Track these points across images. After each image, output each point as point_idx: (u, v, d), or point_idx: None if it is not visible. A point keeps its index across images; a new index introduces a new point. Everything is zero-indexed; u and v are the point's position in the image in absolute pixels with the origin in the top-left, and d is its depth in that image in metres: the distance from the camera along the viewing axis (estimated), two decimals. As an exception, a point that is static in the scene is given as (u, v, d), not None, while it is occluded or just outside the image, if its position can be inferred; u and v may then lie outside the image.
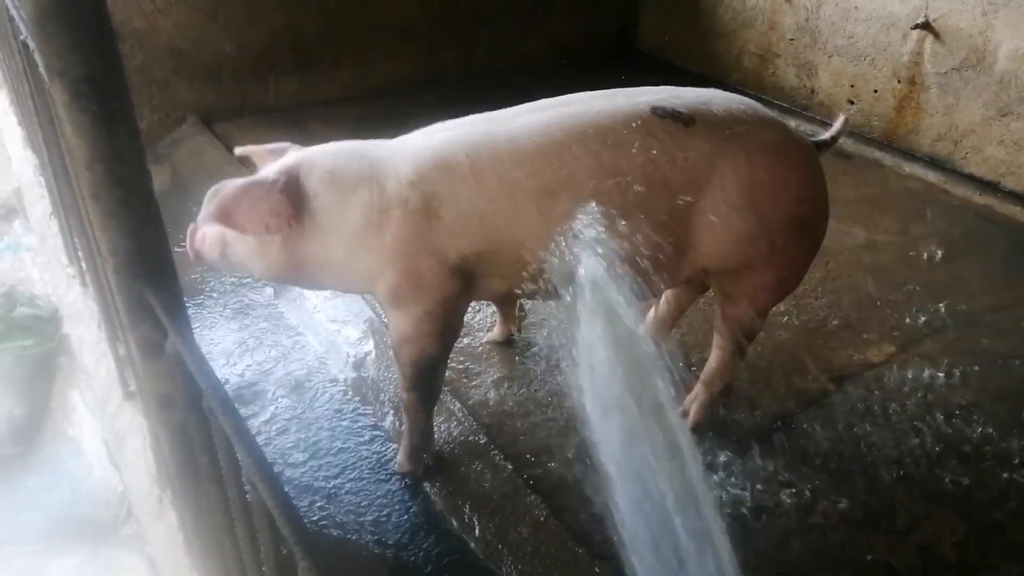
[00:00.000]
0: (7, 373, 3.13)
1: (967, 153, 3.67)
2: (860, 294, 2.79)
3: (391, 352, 2.08)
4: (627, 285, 1.56)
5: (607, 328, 1.54)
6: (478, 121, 1.77)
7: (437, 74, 4.52)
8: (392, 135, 1.85)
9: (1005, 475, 2.08)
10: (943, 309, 2.72)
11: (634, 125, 1.66)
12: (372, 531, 1.92)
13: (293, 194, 1.68)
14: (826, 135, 1.97)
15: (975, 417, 2.25)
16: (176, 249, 1.18)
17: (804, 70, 4.29)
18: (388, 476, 2.07)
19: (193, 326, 1.13)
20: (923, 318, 2.67)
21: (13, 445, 2.97)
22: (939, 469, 2.08)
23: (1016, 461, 2.12)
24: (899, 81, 3.85)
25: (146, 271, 1.03)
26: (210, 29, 3.83)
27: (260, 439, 2.17)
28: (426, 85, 4.44)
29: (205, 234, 1.85)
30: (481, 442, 2.11)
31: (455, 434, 2.15)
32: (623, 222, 1.66)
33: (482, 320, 2.58)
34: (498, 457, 2.06)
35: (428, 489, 2.02)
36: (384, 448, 2.15)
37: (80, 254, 2.34)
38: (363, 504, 1.99)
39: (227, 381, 2.38)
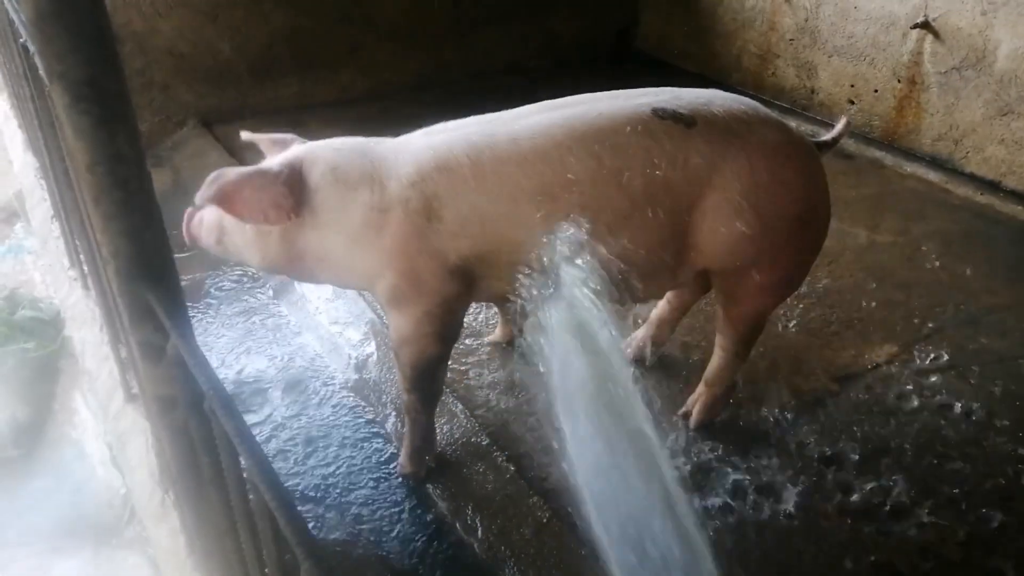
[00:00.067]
0: (9, 376, 3.14)
1: (968, 152, 3.67)
2: (862, 294, 2.79)
3: (392, 353, 2.08)
4: (606, 299, 1.57)
5: (582, 344, 1.56)
6: (480, 122, 1.77)
7: (437, 75, 4.52)
8: (393, 136, 1.85)
9: (1008, 475, 2.07)
10: (945, 309, 2.72)
11: (635, 127, 1.66)
12: (374, 532, 1.92)
13: (295, 187, 1.68)
14: (827, 136, 1.96)
15: (978, 417, 2.25)
16: (176, 232, 1.17)
17: (804, 70, 4.29)
18: (390, 477, 2.07)
19: (195, 328, 1.13)
20: (925, 318, 2.67)
21: (16, 447, 2.97)
22: (942, 469, 2.08)
23: (1019, 461, 2.11)
24: (899, 81, 3.85)
25: (147, 273, 1.03)
26: (210, 31, 3.84)
27: (262, 440, 2.17)
28: (426, 86, 4.44)
29: (202, 218, 1.85)
30: (483, 443, 2.11)
31: (457, 435, 2.15)
32: (621, 225, 1.66)
33: (484, 321, 2.58)
34: (500, 459, 2.06)
35: (431, 490, 2.02)
36: (386, 450, 2.15)
37: (82, 257, 2.35)
38: (365, 506, 1.99)
39: (229, 383, 2.38)
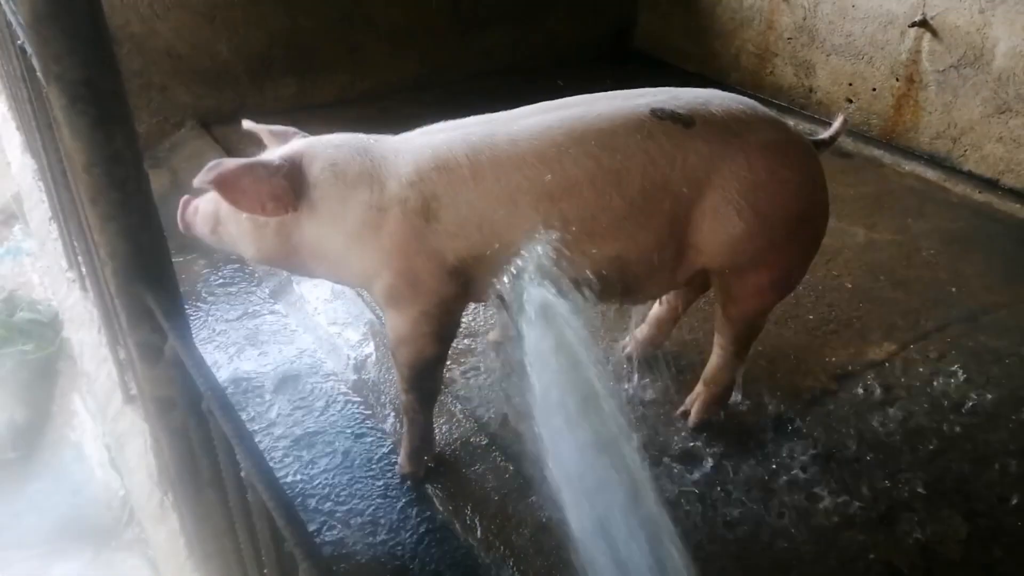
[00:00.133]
0: (8, 378, 3.14)
1: (966, 151, 3.67)
2: (860, 292, 2.79)
3: (390, 353, 2.08)
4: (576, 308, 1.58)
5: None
6: (479, 123, 1.78)
7: (436, 76, 4.52)
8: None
9: (1008, 473, 2.07)
10: (943, 307, 2.72)
11: (634, 127, 1.67)
12: (373, 532, 1.92)
13: (294, 181, 1.69)
14: (825, 134, 1.97)
15: (976, 415, 2.25)
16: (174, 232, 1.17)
17: (802, 69, 4.29)
18: (389, 477, 2.06)
19: (192, 328, 1.13)
20: (923, 316, 2.67)
21: (14, 449, 2.97)
22: (941, 467, 2.08)
23: (1018, 459, 2.11)
24: (897, 79, 3.86)
25: (145, 274, 1.03)
26: (208, 32, 3.83)
27: (260, 441, 2.17)
28: (425, 87, 4.44)
29: (198, 207, 1.85)
30: (483, 443, 2.11)
31: (456, 435, 2.15)
32: (620, 225, 1.67)
33: (482, 321, 2.58)
34: (499, 459, 2.06)
35: (430, 490, 2.02)
36: (385, 450, 2.15)
37: (80, 258, 2.35)
38: (364, 505, 1.99)
39: (227, 384, 2.38)
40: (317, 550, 0.76)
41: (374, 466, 2.11)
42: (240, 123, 1.96)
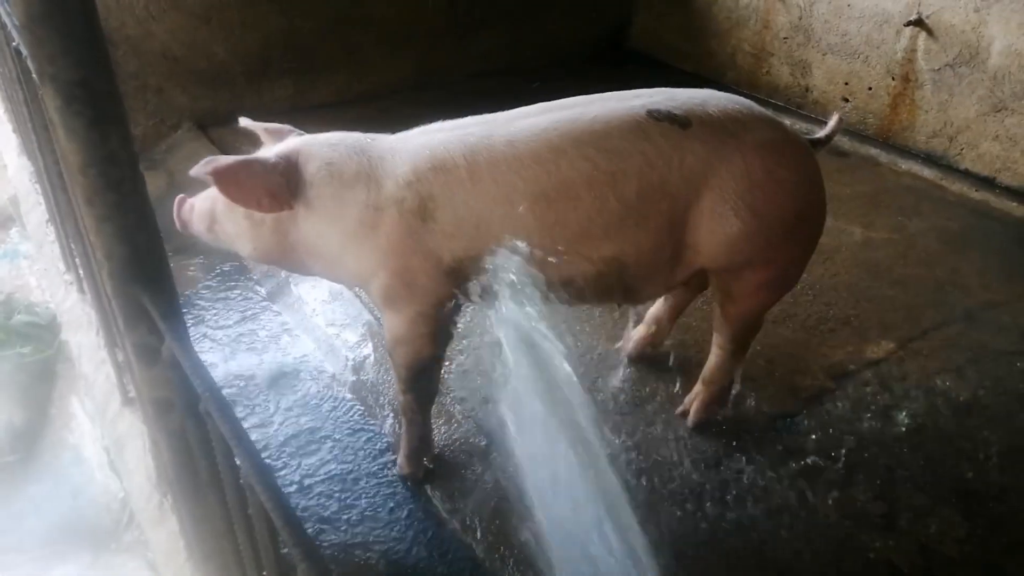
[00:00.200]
0: (6, 381, 3.13)
1: (962, 149, 3.67)
2: (858, 291, 2.79)
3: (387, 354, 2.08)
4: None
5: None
6: (476, 123, 1.78)
7: (433, 77, 4.52)
8: (389, 137, 1.85)
9: (1006, 471, 2.08)
10: (940, 305, 2.73)
11: (630, 129, 1.67)
12: (372, 534, 1.92)
13: (290, 178, 1.69)
14: (821, 133, 1.97)
15: (974, 413, 2.26)
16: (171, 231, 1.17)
17: (798, 68, 4.30)
18: (388, 478, 2.06)
19: (190, 330, 1.13)
20: (920, 314, 2.67)
21: (13, 452, 2.96)
22: (939, 466, 2.08)
23: (1017, 457, 2.12)
24: (893, 78, 3.86)
25: (141, 275, 1.03)
26: (204, 34, 3.83)
27: (257, 442, 2.17)
28: (423, 88, 4.44)
29: (194, 206, 1.86)
30: (482, 444, 2.11)
31: (455, 436, 2.15)
32: (618, 227, 1.67)
33: (480, 321, 2.58)
34: (499, 459, 2.06)
35: (429, 491, 2.02)
36: (383, 451, 2.15)
37: (77, 260, 2.34)
38: (363, 507, 1.99)
39: (225, 385, 2.38)
40: (315, 551, 0.76)
41: (373, 467, 2.11)
42: (237, 125, 1.96)
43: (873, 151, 3.90)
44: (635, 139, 1.66)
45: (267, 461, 2.08)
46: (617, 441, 2.12)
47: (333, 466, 2.11)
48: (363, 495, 2.02)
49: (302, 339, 2.60)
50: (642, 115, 1.68)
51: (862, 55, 3.96)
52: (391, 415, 2.24)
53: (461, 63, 4.60)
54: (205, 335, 2.63)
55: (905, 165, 3.77)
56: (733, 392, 2.21)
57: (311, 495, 2.02)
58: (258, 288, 2.87)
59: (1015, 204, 3.42)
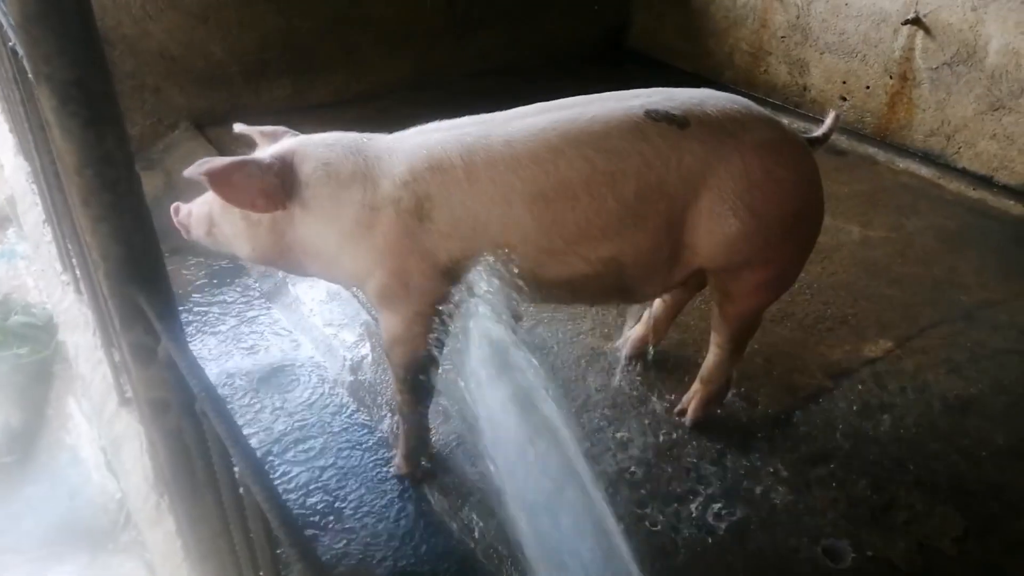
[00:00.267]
0: (3, 381, 3.12)
1: (960, 148, 3.68)
2: (855, 290, 2.79)
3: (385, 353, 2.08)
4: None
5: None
6: (474, 123, 1.77)
7: (431, 76, 4.52)
8: (386, 136, 1.85)
9: (1003, 469, 2.08)
10: (938, 304, 2.73)
11: (628, 129, 1.67)
12: (370, 533, 1.92)
13: (285, 179, 1.69)
14: (818, 132, 1.97)
15: (972, 411, 2.26)
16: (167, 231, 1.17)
17: (796, 67, 4.30)
18: (386, 478, 2.06)
19: (186, 330, 1.13)
20: (918, 313, 2.67)
21: (10, 453, 2.95)
22: (937, 464, 2.09)
23: (1014, 455, 2.12)
24: (891, 77, 3.86)
25: (138, 275, 1.03)
26: (201, 33, 3.82)
27: (254, 442, 2.16)
28: (421, 87, 4.44)
29: (191, 211, 1.86)
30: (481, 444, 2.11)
31: (453, 435, 2.15)
32: (616, 227, 1.67)
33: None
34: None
35: (427, 491, 2.02)
36: (382, 450, 2.15)
37: (74, 260, 2.34)
38: (360, 506, 1.99)
39: (221, 385, 2.37)
40: (312, 551, 0.76)
41: (371, 466, 2.10)
42: (235, 122, 1.96)
43: (871, 150, 3.91)
44: (633, 139, 1.66)
45: (263, 461, 2.08)
46: (615, 441, 2.12)
47: (330, 466, 2.11)
48: (360, 495, 2.02)
49: (299, 339, 2.60)
50: (640, 115, 1.68)
51: (860, 54, 3.96)
52: (389, 415, 2.23)
53: (459, 63, 4.60)
54: (201, 335, 2.62)
55: (903, 164, 3.78)
56: (731, 391, 2.21)
57: (307, 495, 2.02)
58: (255, 288, 2.86)
59: (1012, 202, 3.43)
